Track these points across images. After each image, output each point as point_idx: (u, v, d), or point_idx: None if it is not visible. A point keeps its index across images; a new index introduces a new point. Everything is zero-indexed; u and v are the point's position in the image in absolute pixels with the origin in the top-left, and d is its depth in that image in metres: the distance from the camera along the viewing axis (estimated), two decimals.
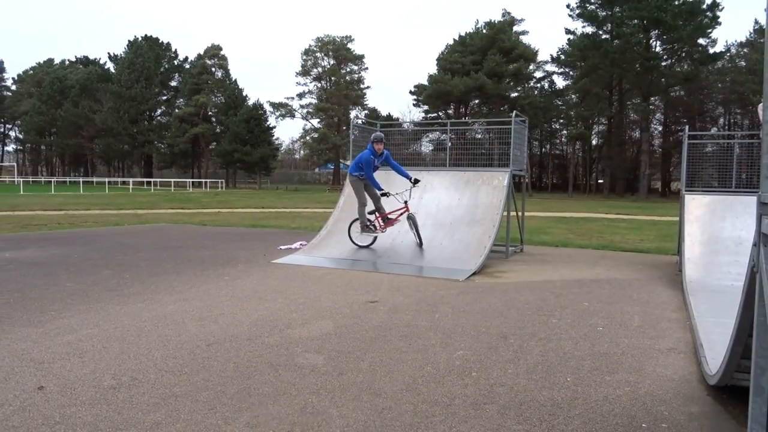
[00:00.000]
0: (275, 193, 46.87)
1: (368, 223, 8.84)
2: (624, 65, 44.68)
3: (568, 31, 49.87)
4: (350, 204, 9.97)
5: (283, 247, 9.98)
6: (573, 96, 54.28)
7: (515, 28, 55.30)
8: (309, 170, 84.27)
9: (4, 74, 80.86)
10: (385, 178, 10.74)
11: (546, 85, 57.31)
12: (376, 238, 8.92)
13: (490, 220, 8.73)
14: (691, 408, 3.25)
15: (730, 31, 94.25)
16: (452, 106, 57.17)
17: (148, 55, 65.93)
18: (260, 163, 60.67)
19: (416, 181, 8.59)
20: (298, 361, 3.90)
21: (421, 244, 8.57)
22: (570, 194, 48.66)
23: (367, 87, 73.09)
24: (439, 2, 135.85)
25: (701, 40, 44.99)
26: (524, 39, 55.30)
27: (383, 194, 8.58)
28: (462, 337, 4.60)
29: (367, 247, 8.88)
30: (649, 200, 40.99)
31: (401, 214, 8.67)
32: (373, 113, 59.95)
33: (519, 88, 55.34)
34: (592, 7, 46.90)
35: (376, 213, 8.88)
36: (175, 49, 70.85)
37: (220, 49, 67.28)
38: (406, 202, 8.63)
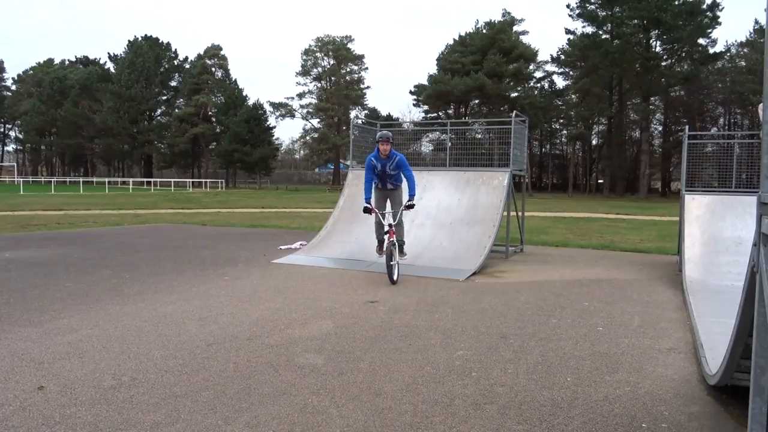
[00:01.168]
0: (275, 193, 46.88)
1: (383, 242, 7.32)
2: (624, 65, 44.69)
3: (568, 31, 49.92)
4: (350, 204, 9.97)
5: (283, 247, 9.98)
6: (573, 96, 54.31)
7: (515, 28, 55.32)
8: (309, 170, 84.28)
9: (4, 74, 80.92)
10: None
11: (546, 85, 57.38)
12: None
13: (490, 220, 8.73)
14: (691, 408, 3.25)
15: (730, 31, 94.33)
16: (452, 106, 57.18)
17: (148, 55, 65.93)
18: (260, 163, 60.69)
19: (410, 206, 7.16)
20: (298, 361, 3.90)
21: (394, 281, 6.79)
22: (570, 194, 48.66)
23: (367, 87, 73.13)
24: (439, 2, 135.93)
25: (701, 40, 45.01)
26: (524, 39, 55.37)
27: (366, 210, 7.11)
28: (462, 337, 4.60)
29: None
30: (649, 200, 40.99)
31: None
32: (373, 113, 59.94)
33: (519, 88, 55.35)
34: (592, 7, 46.89)
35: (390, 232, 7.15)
36: (175, 49, 70.92)
37: (220, 49, 67.35)
38: (391, 226, 7.01)
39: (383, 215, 7.23)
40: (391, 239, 6.89)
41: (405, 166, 7.32)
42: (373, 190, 7.37)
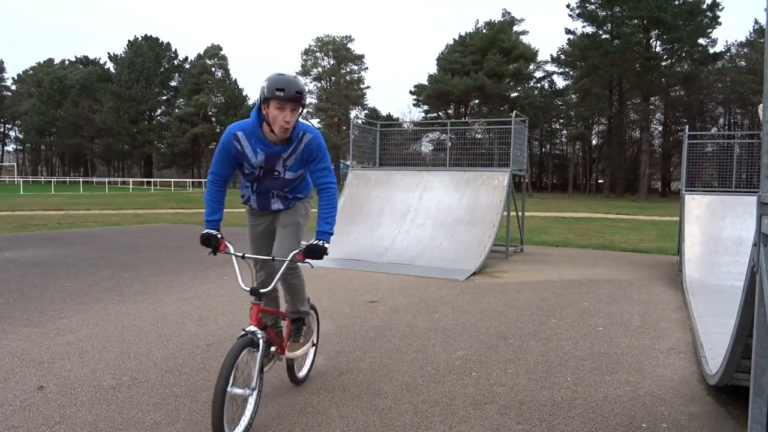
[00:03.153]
0: None
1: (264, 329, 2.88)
2: (624, 65, 44.69)
3: (568, 31, 49.94)
4: (350, 204, 9.97)
5: None
6: (573, 96, 54.31)
7: (515, 28, 55.30)
8: None
9: (4, 74, 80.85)
10: (384, 180, 10.57)
11: (546, 85, 57.37)
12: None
13: (490, 220, 8.74)
14: (691, 408, 3.26)
15: (730, 31, 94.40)
16: (452, 106, 57.17)
17: (148, 55, 65.93)
18: None
19: (316, 252, 2.92)
20: None
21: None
22: (570, 194, 48.65)
23: (367, 87, 73.03)
24: (439, 2, 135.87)
25: (701, 40, 45.02)
26: (524, 39, 55.32)
27: (205, 240, 2.96)
28: (462, 337, 4.60)
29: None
30: (649, 200, 40.98)
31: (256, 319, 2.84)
32: (373, 113, 59.94)
33: (519, 88, 55.34)
34: (592, 7, 46.89)
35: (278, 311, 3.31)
36: (175, 49, 70.88)
37: (220, 49, 67.31)
38: (259, 296, 2.88)
39: (253, 263, 3.15)
40: (253, 328, 2.77)
41: (322, 162, 3.04)
42: (247, 212, 3.31)
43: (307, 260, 2.92)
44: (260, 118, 2.85)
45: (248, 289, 2.88)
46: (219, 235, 2.94)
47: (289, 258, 2.92)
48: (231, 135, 2.91)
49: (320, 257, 2.91)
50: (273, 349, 3.09)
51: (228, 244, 2.93)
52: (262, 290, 2.88)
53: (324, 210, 3.00)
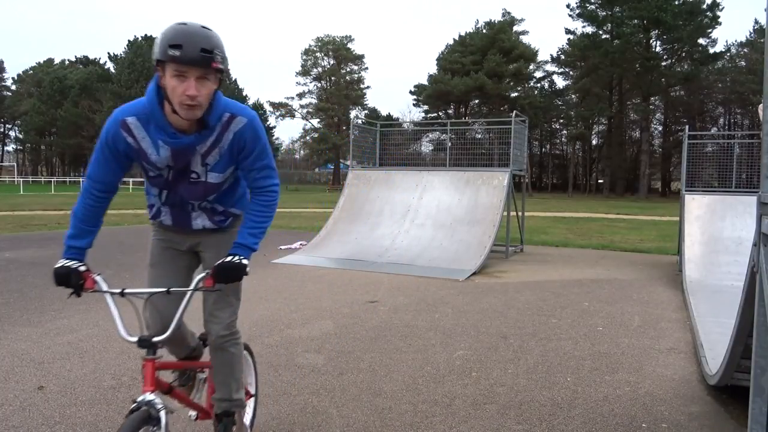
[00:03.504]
0: None
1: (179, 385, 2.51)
2: (624, 65, 44.70)
3: (568, 31, 49.95)
4: (350, 204, 9.97)
5: (283, 247, 9.98)
6: (573, 96, 54.32)
7: (515, 28, 55.32)
8: (309, 170, 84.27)
9: (4, 74, 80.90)
10: (384, 179, 10.66)
11: (546, 85, 57.37)
12: None
13: (490, 220, 8.74)
14: (691, 408, 3.25)
15: (730, 31, 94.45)
16: (452, 106, 57.17)
17: (148, 55, 65.90)
18: None
19: (231, 272, 1.97)
20: (298, 361, 3.90)
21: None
22: (570, 194, 48.64)
23: (367, 87, 73.12)
24: (439, 2, 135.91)
25: (701, 40, 45.03)
26: (524, 39, 55.34)
27: (61, 278, 2.15)
28: (462, 337, 4.60)
29: None
30: (649, 200, 40.97)
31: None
32: (373, 113, 59.94)
33: (519, 88, 55.35)
34: (592, 7, 46.89)
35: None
36: None
37: None
38: (151, 346, 1.98)
39: (146, 300, 2.34)
40: (150, 396, 1.81)
41: (261, 159, 2.08)
42: (154, 225, 2.40)
43: (218, 285, 1.99)
44: (160, 94, 1.93)
45: (135, 339, 1.95)
46: (83, 268, 2.10)
47: (192, 287, 1.98)
48: (117, 123, 2.01)
49: (237, 279, 2.00)
50: (186, 415, 2.25)
51: (97, 279, 2.09)
52: (156, 339, 1.95)
53: (253, 217, 2.08)
